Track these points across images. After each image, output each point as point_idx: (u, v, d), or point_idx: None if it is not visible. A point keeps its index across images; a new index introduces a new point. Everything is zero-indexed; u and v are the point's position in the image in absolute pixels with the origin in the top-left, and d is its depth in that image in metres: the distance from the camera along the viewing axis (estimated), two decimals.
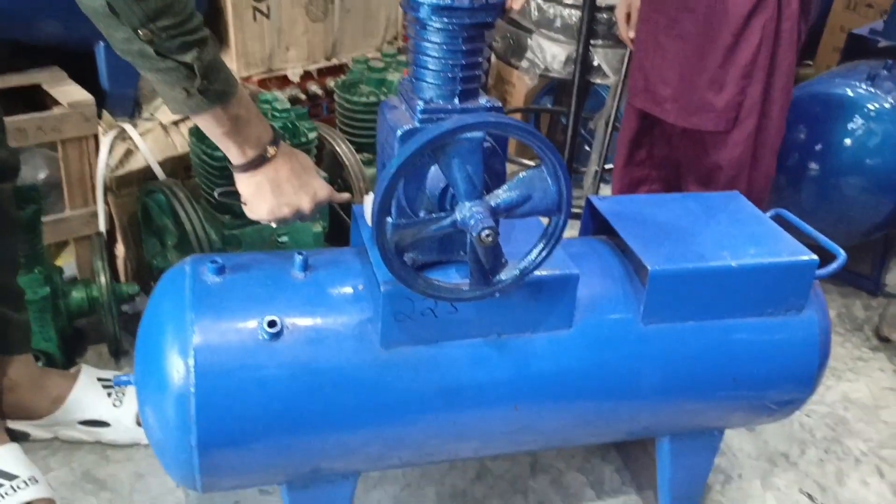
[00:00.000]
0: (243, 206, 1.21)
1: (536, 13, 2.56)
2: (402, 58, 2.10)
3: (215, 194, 1.61)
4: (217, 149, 1.61)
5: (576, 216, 1.90)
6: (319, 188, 1.21)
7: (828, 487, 1.64)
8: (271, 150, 1.15)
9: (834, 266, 1.28)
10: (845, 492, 1.64)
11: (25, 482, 1.38)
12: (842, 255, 1.30)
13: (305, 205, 1.19)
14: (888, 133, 2.04)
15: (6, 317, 1.45)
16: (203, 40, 1.03)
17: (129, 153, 1.79)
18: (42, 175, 1.82)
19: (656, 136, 1.86)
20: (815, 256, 1.25)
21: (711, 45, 1.56)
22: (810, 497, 1.62)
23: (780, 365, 1.30)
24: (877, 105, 2.05)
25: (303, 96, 2.10)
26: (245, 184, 1.17)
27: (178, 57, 1.01)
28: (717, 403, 1.32)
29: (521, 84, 2.84)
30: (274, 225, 1.22)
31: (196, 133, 1.68)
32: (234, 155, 1.14)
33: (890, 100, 2.06)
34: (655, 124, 1.82)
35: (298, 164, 1.19)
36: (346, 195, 1.28)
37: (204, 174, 1.68)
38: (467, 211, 1.02)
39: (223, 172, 1.64)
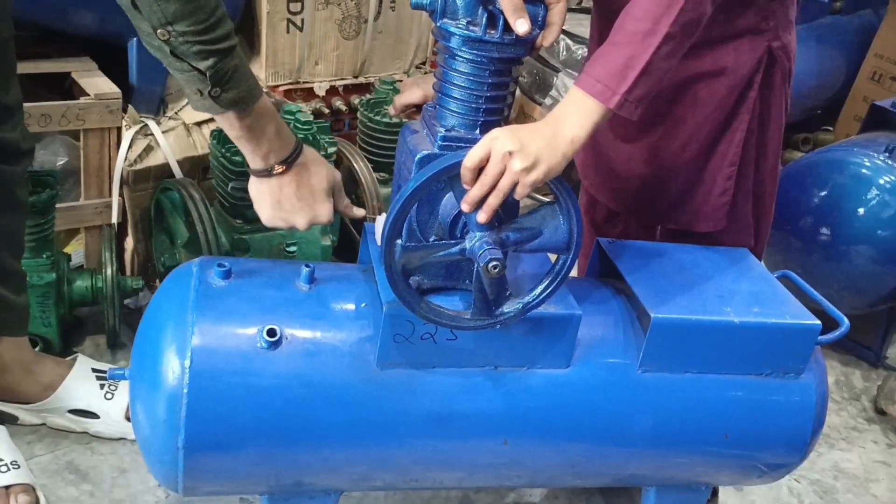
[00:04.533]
0: None
1: (564, 53, 2.59)
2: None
3: (229, 186, 1.64)
4: (236, 153, 1.64)
5: None
6: (321, 213, 1.21)
7: None
8: (278, 168, 1.16)
9: (837, 333, 1.28)
10: None
11: (7, 466, 1.38)
12: (845, 323, 1.30)
13: (300, 225, 1.21)
14: None
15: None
16: (226, 50, 1.03)
17: (149, 149, 1.80)
18: (61, 162, 1.84)
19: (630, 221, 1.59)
20: (818, 322, 1.25)
21: (684, 151, 1.36)
22: None
23: (773, 427, 1.29)
24: (893, 178, 2.06)
25: (326, 110, 2.12)
26: (252, 186, 1.20)
27: (192, 62, 1.02)
28: (707, 459, 1.31)
29: None
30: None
31: (217, 136, 1.70)
32: (246, 157, 1.17)
33: None
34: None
35: (307, 185, 1.19)
36: (360, 211, 1.29)
37: (221, 177, 1.70)
38: (477, 241, 1.03)
39: (240, 177, 1.65)
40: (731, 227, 1.42)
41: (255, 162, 1.16)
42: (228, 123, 1.12)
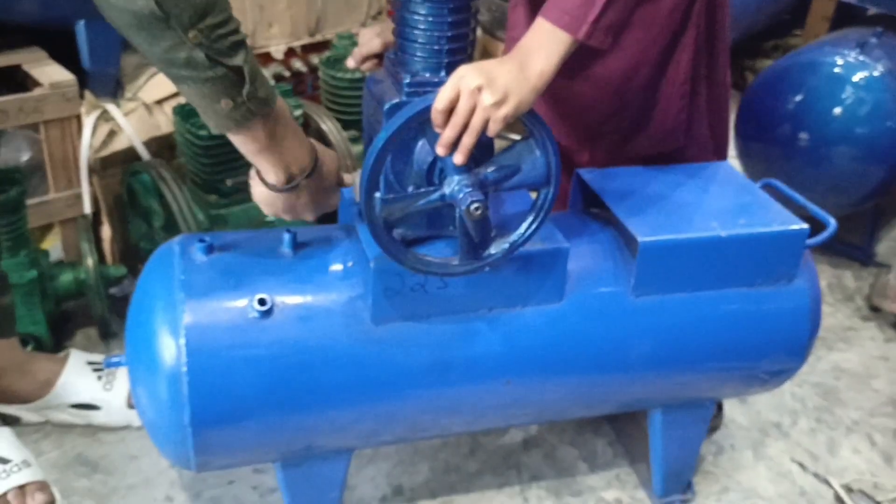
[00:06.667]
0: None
1: None
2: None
3: (228, 182, 1.56)
4: (202, 128, 1.60)
5: None
6: (332, 203, 1.17)
7: (819, 456, 1.65)
8: (302, 182, 1.09)
9: (824, 235, 1.28)
10: (837, 460, 1.65)
11: (18, 466, 1.38)
12: (832, 223, 1.30)
13: (309, 219, 1.17)
14: (878, 102, 2.03)
15: None
16: (245, 41, 0.96)
17: (112, 134, 1.76)
18: (25, 157, 1.80)
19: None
20: (805, 225, 1.25)
21: (635, 77, 1.30)
22: (802, 466, 1.63)
23: (770, 335, 1.30)
24: (867, 73, 2.04)
25: (287, 73, 2.08)
26: (262, 192, 1.11)
27: (229, 60, 0.93)
28: (709, 374, 1.33)
29: None
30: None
31: (180, 112, 1.66)
32: (265, 173, 1.07)
33: (880, 68, 2.05)
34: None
35: (322, 188, 1.13)
36: (349, 178, 1.23)
37: (189, 154, 1.67)
38: (456, 185, 1.02)
39: (208, 151, 1.62)
40: (690, 145, 1.40)
41: (276, 175, 1.06)
42: (253, 136, 1.01)
